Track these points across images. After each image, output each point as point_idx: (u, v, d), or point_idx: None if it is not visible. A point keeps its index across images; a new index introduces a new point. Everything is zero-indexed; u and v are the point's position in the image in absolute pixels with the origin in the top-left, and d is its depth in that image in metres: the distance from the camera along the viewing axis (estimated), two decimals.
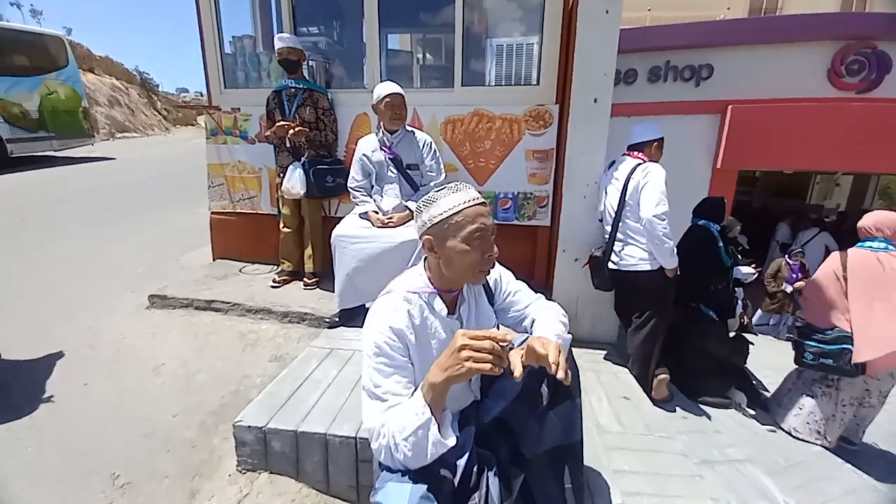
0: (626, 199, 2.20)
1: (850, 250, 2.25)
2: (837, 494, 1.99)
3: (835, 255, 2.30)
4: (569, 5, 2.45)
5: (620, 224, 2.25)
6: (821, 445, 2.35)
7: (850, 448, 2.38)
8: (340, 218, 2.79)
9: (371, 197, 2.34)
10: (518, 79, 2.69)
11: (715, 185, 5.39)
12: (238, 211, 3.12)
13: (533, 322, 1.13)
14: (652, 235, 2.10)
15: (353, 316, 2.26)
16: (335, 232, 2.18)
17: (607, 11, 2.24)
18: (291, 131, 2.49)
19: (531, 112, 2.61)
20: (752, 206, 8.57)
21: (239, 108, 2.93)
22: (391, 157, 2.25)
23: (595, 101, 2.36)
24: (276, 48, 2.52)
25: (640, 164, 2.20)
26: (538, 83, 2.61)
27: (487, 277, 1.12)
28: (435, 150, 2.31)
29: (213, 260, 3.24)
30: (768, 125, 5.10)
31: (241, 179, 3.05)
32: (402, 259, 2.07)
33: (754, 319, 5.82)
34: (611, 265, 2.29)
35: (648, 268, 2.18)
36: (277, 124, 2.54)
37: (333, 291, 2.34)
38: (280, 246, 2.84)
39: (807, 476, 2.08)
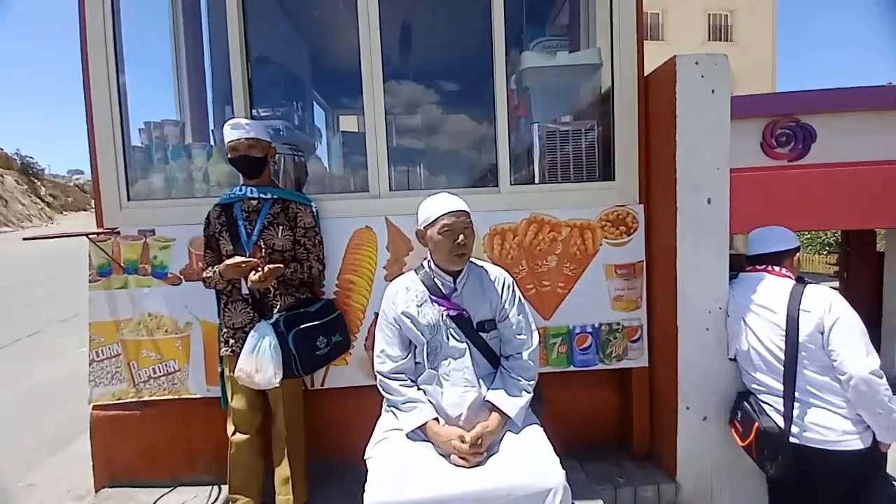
0: (803, 341, 1.49)
1: None
2: None
3: None
4: (642, 78, 1.91)
5: (798, 377, 1.51)
6: None
7: None
8: (332, 392, 1.70)
9: (419, 389, 1.32)
10: (580, 174, 2.01)
11: None
12: (145, 399, 1.83)
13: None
14: (871, 401, 1.37)
15: None
16: (373, 499, 1.08)
17: (713, 91, 1.71)
18: (256, 273, 1.45)
19: (608, 215, 1.90)
20: None
21: (153, 231, 1.80)
22: (453, 313, 1.30)
23: (709, 201, 1.74)
24: (226, 141, 1.55)
25: (802, 286, 1.55)
26: (613, 178, 1.94)
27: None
28: (519, 297, 1.41)
29: (97, 490, 1.82)
30: None
31: (152, 345, 1.81)
32: None
33: None
34: (791, 439, 1.50)
35: (860, 446, 1.43)
36: (229, 262, 1.49)
37: None
38: (229, 466, 1.60)
39: None
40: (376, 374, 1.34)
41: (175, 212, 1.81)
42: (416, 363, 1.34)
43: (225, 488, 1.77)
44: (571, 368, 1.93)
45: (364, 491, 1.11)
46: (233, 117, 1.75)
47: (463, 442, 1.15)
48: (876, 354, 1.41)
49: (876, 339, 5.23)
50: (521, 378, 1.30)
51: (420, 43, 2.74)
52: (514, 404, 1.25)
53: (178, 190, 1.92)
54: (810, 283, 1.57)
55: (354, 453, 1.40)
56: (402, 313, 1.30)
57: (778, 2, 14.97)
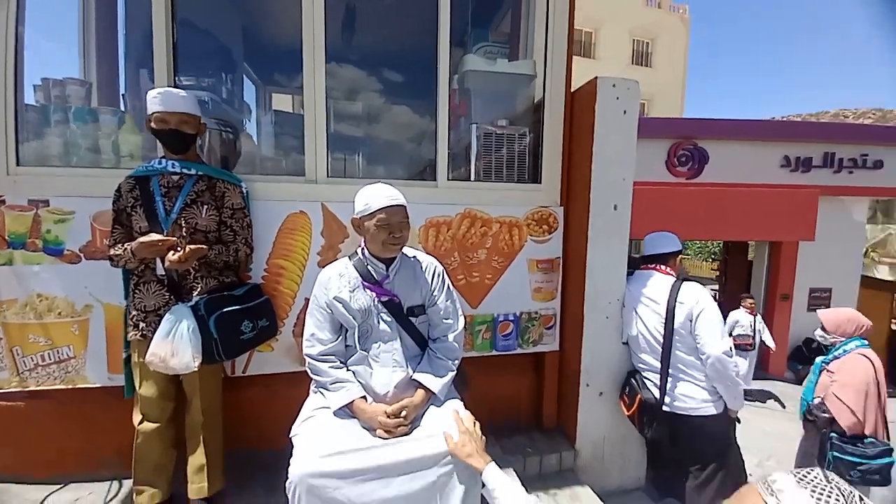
0: (677, 327, 1.80)
1: (872, 356, 2.28)
2: None
3: (869, 363, 2.27)
4: (569, 93, 2.11)
5: (672, 356, 1.82)
6: None
7: None
8: (255, 379, 1.67)
9: (348, 369, 1.36)
10: (512, 175, 2.17)
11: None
12: (31, 389, 1.63)
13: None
14: (723, 376, 1.72)
15: None
16: (299, 469, 1.10)
17: (625, 112, 1.95)
18: (176, 254, 1.37)
19: (534, 215, 2.09)
20: None
21: (46, 202, 1.59)
22: (384, 298, 1.36)
23: (615, 208, 1.99)
24: (152, 111, 1.42)
25: (679, 282, 1.87)
26: (539, 182, 2.13)
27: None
28: (448, 285, 1.50)
29: None
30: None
31: (40, 329, 1.61)
32: (443, 483, 1.17)
33: None
34: (664, 408, 1.82)
35: (714, 411, 1.78)
36: (144, 240, 1.38)
37: None
38: (135, 457, 1.50)
39: None
40: (305, 356, 1.35)
41: (76, 182, 1.62)
42: (346, 346, 1.38)
43: (127, 483, 1.66)
44: (494, 353, 2.10)
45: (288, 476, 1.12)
46: (150, 82, 1.61)
47: (388, 416, 1.22)
48: (729, 339, 1.76)
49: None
50: (445, 358, 1.41)
51: (365, 28, 2.70)
52: (437, 382, 1.34)
53: (81, 158, 1.72)
54: (686, 280, 1.90)
55: (277, 442, 1.40)
56: (335, 298, 1.33)
57: (691, 35, 16.96)
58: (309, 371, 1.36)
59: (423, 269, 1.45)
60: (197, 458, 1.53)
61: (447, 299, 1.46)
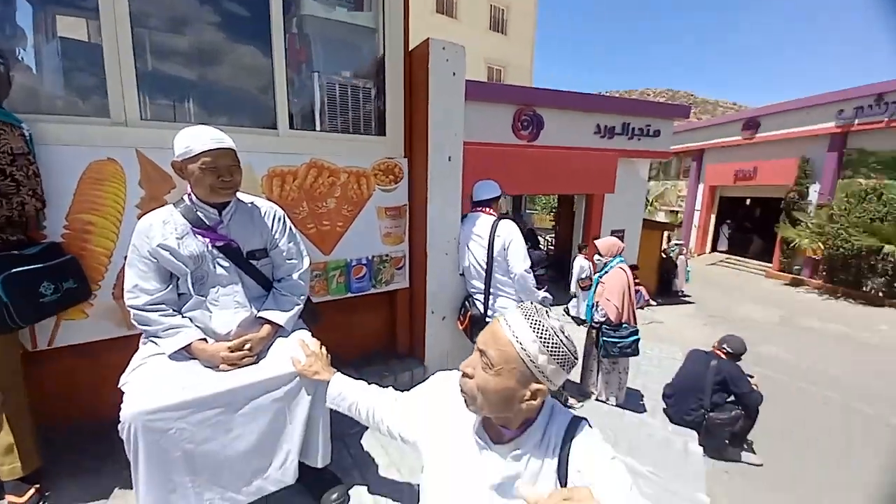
0: (495, 255, 2.26)
1: (626, 268, 3.19)
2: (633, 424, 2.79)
3: (624, 273, 3.17)
4: (408, 51, 2.26)
5: (492, 279, 2.30)
6: (616, 405, 3.25)
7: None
8: (64, 351, 1.58)
9: (184, 316, 1.35)
10: (358, 127, 2.26)
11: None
12: None
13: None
14: (525, 287, 2.25)
15: None
16: (131, 409, 1.10)
17: (454, 74, 2.21)
18: None
19: (380, 165, 2.25)
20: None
21: None
22: (220, 244, 1.38)
23: (449, 159, 2.30)
24: None
25: (498, 220, 2.32)
26: (385, 134, 2.28)
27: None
28: (290, 227, 1.57)
29: None
30: (484, 162, 6.58)
31: None
32: (283, 419, 1.32)
33: None
34: (487, 318, 2.31)
35: None
36: None
37: None
38: None
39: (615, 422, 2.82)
40: (129, 309, 1.30)
41: None
42: (179, 294, 1.37)
43: None
44: (349, 295, 2.28)
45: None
46: None
47: (231, 351, 1.30)
48: (529, 260, 2.28)
49: (569, 266, 7.78)
50: (291, 294, 1.52)
51: None
52: (283, 315, 1.45)
53: None
54: (502, 218, 2.36)
55: (106, 411, 1.33)
56: (160, 246, 1.29)
57: (538, 8, 18.58)
58: (136, 323, 1.31)
59: (263, 213, 1.49)
60: (3, 439, 1.35)
61: (290, 241, 1.55)
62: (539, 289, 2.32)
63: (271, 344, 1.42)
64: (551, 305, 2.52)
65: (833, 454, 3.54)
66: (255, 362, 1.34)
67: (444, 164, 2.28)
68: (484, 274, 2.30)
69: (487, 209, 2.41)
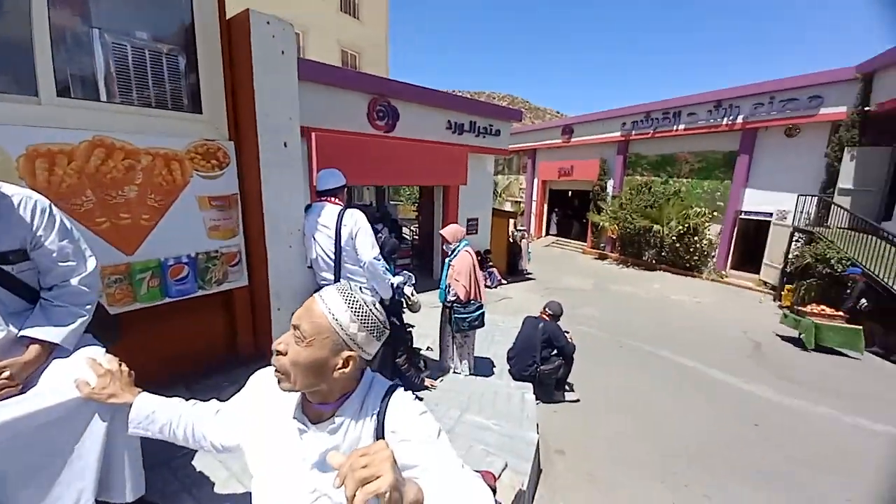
0: (343, 245, 2.23)
1: (470, 251, 3.50)
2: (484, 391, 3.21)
3: (469, 255, 3.46)
4: (224, 19, 2.00)
5: (342, 269, 2.27)
6: (470, 374, 3.62)
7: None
8: None
9: None
10: (163, 102, 1.89)
11: (313, 197, 6.22)
12: None
13: None
14: (375, 275, 2.29)
15: None
16: None
17: (283, 52, 2.06)
18: None
19: (198, 148, 1.95)
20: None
21: None
22: None
23: (285, 145, 2.16)
24: None
25: (344, 209, 2.29)
26: (200, 112, 1.97)
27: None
28: (60, 221, 1.22)
29: None
30: (340, 150, 6.42)
31: None
32: (66, 456, 1.06)
33: None
34: None
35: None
36: None
37: None
38: None
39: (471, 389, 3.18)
40: None
41: None
42: None
43: None
44: (168, 300, 1.95)
45: None
46: None
47: None
48: (378, 248, 2.33)
49: (431, 254, 8.22)
50: (68, 304, 1.22)
51: None
52: (58, 331, 1.16)
53: None
54: (349, 207, 2.35)
55: None
56: None
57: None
58: None
59: (17, 205, 1.15)
60: None
61: (61, 239, 1.23)
62: (396, 275, 2.40)
63: (45, 367, 1.13)
64: (417, 292, 2.64)
65: (623, 382, 4.70)
66: (21, 392, 1.04)
67: (279, 151, 2.12)
68: (333, 265, 2.25)
69: (333, 199, 2.35)
